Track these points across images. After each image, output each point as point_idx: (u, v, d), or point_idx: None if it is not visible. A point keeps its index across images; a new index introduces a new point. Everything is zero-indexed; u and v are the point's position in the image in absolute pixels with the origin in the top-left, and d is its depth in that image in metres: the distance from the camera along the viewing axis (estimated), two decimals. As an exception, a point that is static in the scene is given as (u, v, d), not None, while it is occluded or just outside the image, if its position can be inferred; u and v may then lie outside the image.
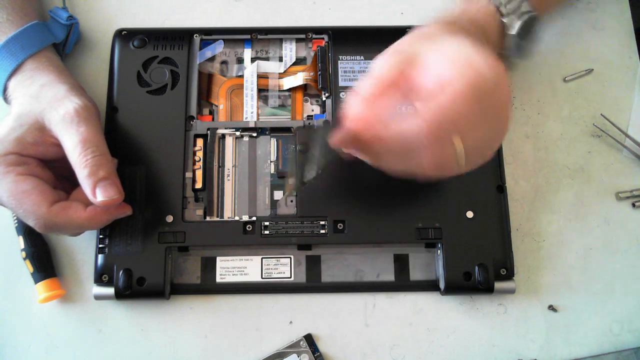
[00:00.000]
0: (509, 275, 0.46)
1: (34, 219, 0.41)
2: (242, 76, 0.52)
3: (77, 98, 0.43)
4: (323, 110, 0.51)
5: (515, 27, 0.46)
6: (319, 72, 0.51)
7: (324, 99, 0.51)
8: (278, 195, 0.48)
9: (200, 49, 0.52)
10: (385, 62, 0.38)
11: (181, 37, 0.51)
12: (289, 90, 0.52)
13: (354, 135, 0.38)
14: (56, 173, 0.44)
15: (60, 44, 0.50)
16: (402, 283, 0.48)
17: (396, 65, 0.37)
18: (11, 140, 0.41)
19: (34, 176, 0.41)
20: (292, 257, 0.48)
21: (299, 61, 0.53)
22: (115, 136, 0.48)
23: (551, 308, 0.48)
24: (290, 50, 0.53)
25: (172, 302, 0.47)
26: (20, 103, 0.43)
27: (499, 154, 0.49)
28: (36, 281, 0.47)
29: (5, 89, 0.45)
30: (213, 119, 0.51)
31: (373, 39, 0.52)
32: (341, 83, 0.50)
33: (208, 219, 0.47)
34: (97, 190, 0.41)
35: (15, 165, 0.41)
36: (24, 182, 0.40)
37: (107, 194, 0.41)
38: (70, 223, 0.41)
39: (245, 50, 0.53)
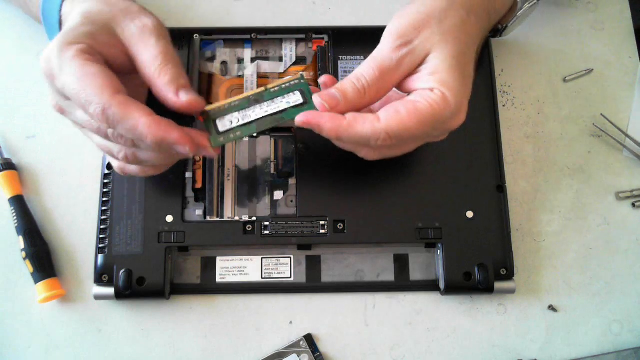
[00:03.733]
0: (509, 275, 0.46)
1: (95, 104, 0.36)
2: (242, 76, 0.52)
3: (152, 16, 0.41)
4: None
5: (522, 9, 0.48)
6: (319, 72, 0.51)
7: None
8: (278, 195, 0.48)
9: (200, 49, 0.52)
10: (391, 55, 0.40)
11: (181, 37, 0.51)
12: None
13: (317, 126, 0.39)
14: None
15: None
16: (402, 283, 0.48)
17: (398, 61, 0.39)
18: (84, 32, 0.39)
19: (102, 65, 0.38)
20: (292, 257, 0.48)
21: (299, 61, 0.53)
22: (115, 136, 0.48)
23: (551, 308, 0.48)
24: (290, 50, 0.53)
25: (172, 302, 0.47)
26: (83, 6, 0.41)
27: (499, 154, 0.49)
28: (36, 281, 0.47)
29: (60, 9, 0.43)
30: (213, 119, 0.51)
31: (373, 39, 0.52)
32: (341, 83, 0.50)
33: (208, 219, 0.47)
34: (181, 93, 0.38)
35: (85, 53, 0.38)
36: (91, 66, 0.37)
37: (191, 96, 0.38)
38: (127, 119, 0.36)
39: (245, 50, 0.53)
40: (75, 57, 0.37)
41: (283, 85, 0.40)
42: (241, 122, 0.39)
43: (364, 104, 0.39)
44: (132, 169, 0.42)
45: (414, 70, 0.40)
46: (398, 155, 0.42)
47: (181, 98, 0.38)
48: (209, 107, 0.40)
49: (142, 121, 0.36)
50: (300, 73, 0.42)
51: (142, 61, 0.39)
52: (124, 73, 0.40)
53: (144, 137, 0.37)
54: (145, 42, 0.39)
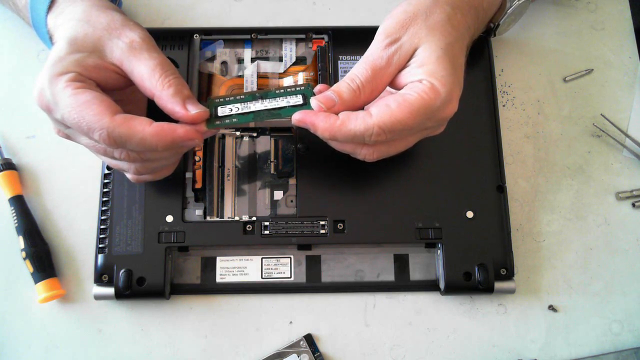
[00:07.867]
0: (509, 275, 0.46)
1: (98, 130, 0.37)
2: (242, 76, 0.52)
3: (136, 28, 0.42)
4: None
5: (512, 7, 0.48)
6: (319, 72, 0.51)
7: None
8: (278, 195, 0.48)
9: (200, 49, 0.52)
10: (381, 54, 0.40)
11: (181, 37, 0.51)
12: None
13: (312, 124, 0.39)
14: None
15: None
16: (402, 283, 0.48)
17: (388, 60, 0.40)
18: (72, 60, 0.39)
19: (93, 90, 0.39)
20: (292, 257, 0.48)
21: (299, 61, 0.53)
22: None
23: (551, 308, 0.48)
24: (290, 50, 0.53)
25: (172, 302, 0.47)
26: (67, 28, 0.41)
27: (499, 154, 0.49)
28: (36, 281, 0.47)
29: (46, 24, 0.44)
30: (213, 119, 0.51)
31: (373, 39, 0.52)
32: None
33: (208, 219, 0.47)
34: (188, 105, 0.39)
35: (75, 81, 0.38)
36: (83, 93, 0.38)
37: (199, 108, 0.39)
38: (133, 135, 0.37)
39: (245, 50, 0.53)
40: (66, 88, 0.38)
41: (289, 89, 0.42)
42: (240, 111, 0.41)
43: (360, 103, 0.40)
44: (147, 177, 0.43)
45: (404, 66, 0.40)
46: (398, 152, 0.42)
47: (190, 111, 0.39)
48: (214, 96, 0.40)
49: (148, 132, 0.37)
50: (309, 83, 0.43)
51: (139, 76, 0.40)
52: (118, 89, 0.41)
53: (155, 146, 0.38)
54: (137, 57, 0.40)
